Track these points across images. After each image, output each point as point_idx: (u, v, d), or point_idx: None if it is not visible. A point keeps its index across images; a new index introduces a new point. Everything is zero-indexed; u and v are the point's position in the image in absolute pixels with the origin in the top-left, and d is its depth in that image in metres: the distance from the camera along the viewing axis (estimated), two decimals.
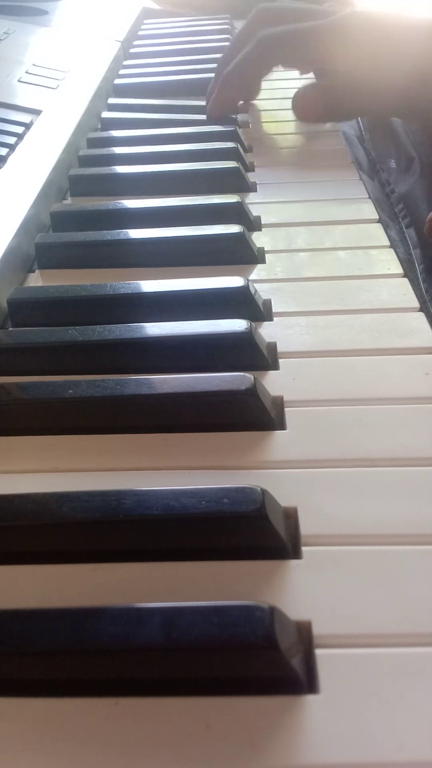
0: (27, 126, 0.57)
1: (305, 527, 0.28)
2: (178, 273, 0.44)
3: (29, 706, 0.23)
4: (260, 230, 0.49)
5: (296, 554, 0.27)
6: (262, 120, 0.69)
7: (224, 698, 0.22)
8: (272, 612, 0.23)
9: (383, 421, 0.32)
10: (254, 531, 0.27)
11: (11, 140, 0.54)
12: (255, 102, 0.72)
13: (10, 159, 0.52)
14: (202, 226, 0.47)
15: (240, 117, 0.68)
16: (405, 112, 0.62)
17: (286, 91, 0.75)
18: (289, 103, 0.63)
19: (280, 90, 0.75)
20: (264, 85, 0.69)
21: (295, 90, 0.62)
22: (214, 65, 0.77)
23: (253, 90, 0.70)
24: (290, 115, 0.63)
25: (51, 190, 0.52)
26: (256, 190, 0.55)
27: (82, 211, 0.50)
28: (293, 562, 0.26)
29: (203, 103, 0.67)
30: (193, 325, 0.37)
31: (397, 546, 0.27)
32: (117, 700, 0.22)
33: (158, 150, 0.58)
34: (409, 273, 0.43)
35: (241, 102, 0.70)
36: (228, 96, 0.65)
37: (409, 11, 0.63)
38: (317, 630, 0.24)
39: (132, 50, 0.88)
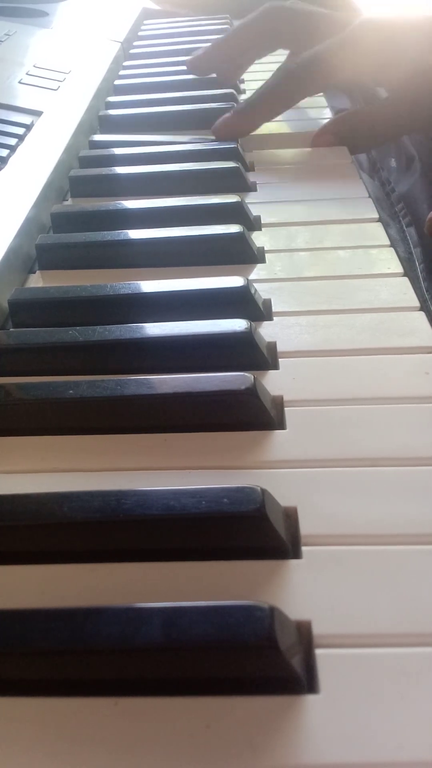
0: (28, 127, 0.57)
1: (305, 527, 0.28)
2: (178, 273, 0.44)
3: (29, 706, 0.23)
4: (260, 230, 0.49)
5: (296, 554, 0.27)
6: None
7: (224, 698, 0.22)
8: (272, 612, 0.23)
9: (383, 420, 0.32)
10: (254, 531, 0.27)
11: (12, 141, 0.54)
12: None
13: (11, 160, 0.52)
14: (201, 226, 0.47)
15: None
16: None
17: None
18: None
19: None
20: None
21: None
22: None
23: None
24: (290, 113, 0.63)
25: (51, 191, 0.52)
26: (256, 190, 0.55)
27: (82, 212, 0.50)
28: (293, 562, 0.26)
29: (202, 104, 0.67)
30: (193, 325, 0.37)
31: (397, 546, 0.27)
32: (117, 700, 0.22)
33: (158, 150, 0.58)
34: (409, 272, 0.43)
35: None
36: (246, 125, 0.62)
37: (413, 11, 0.63)
38: (317, 630, 0.24)
39: (132, 51, 0.88)
